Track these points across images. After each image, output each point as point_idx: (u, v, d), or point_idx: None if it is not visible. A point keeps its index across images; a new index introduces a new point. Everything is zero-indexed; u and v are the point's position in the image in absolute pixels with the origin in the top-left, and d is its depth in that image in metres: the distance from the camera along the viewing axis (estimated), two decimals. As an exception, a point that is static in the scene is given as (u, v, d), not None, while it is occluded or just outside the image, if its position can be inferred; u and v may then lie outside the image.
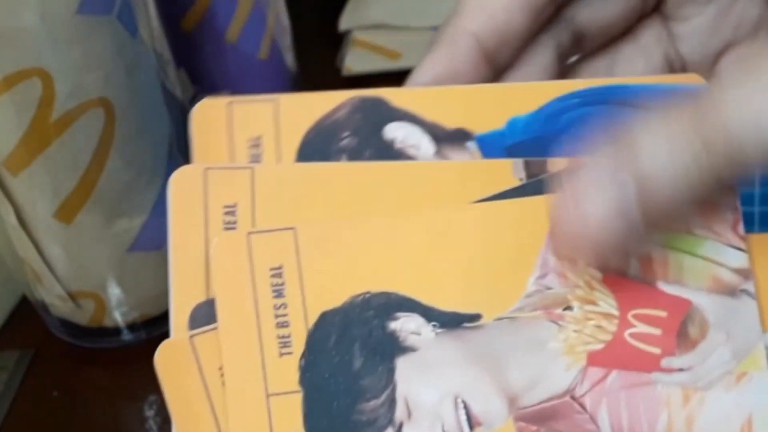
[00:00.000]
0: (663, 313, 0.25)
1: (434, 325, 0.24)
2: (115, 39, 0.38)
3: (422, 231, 0.25)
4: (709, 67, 0.30)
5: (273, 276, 0.25)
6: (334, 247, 0.25)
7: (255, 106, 0.26)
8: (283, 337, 0.24)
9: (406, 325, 0.24)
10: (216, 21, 0.51)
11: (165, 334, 0.40)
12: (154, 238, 0.43)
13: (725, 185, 0.22)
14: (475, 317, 0.24)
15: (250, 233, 0.25)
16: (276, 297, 0.25)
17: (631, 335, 0.25)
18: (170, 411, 0.24)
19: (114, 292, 0.43)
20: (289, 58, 0.55)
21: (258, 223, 0.25)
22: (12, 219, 0.40)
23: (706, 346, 0.25)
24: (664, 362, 0.25)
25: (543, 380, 0.24)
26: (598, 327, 0.25)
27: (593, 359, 0.24)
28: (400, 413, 0.24)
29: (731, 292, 0.25)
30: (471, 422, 0.24)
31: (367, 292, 0.25)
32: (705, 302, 0.25)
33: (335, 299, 0.25)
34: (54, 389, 0.44)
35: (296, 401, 0.24)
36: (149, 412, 0.42)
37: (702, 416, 0.24)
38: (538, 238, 0.25)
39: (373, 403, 0.24)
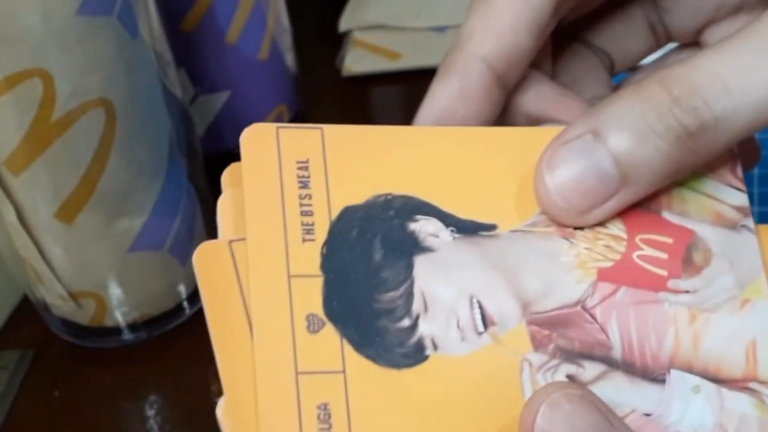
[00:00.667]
0: (669, 240, 0.26)
1: (452, 230, 0.25)
2: (115, 39, 0.38)
3: (446, 143, 0.26)
4: (690, 40, 0.31)
5: (299, 168, 0.26)
6: (359, 150, 0.26)
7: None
8: (306, 224, 0.25)
9: (425, 227, 0.25)
10: (216, 21, 0.51)
11: (165, 334, 0.41)
12: (154, 238, 0.43)
13: (704, 151, 0.24)
14: (491, 227, 0.25)
15: (279, 127, 0.26)
16: (302, 188, 0.25)
17: (639, 257, 0.25)
18: (205, 311, 0.24)
19: (115, 291, 0.43)
20: (289, 58, 0.56)
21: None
22: (13, 219, 0.40)
23: (711, 272, 0.26)
24: (671, 283, 0.25)
25: (555, 289, 0.25)
26: (608, 247, 0.25)
27: (603, 275, 0.25)
28: (417, 306, 0.24)
29: (732, 226, 0.26)
30: (485, 321, 0.24)
31: (389, 194, 0.25)
32: (708, 233, 0.26)
33: (358, 197, 0.25)
34: (54, 389, 0.44)
35: (317, 284, 0.24)
36: (149, 412, 0.42)
37: (708, 336, 0.25)
38: None
39: (392, 294, 0.24)
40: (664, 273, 0.25)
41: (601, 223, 0.26)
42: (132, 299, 0.44)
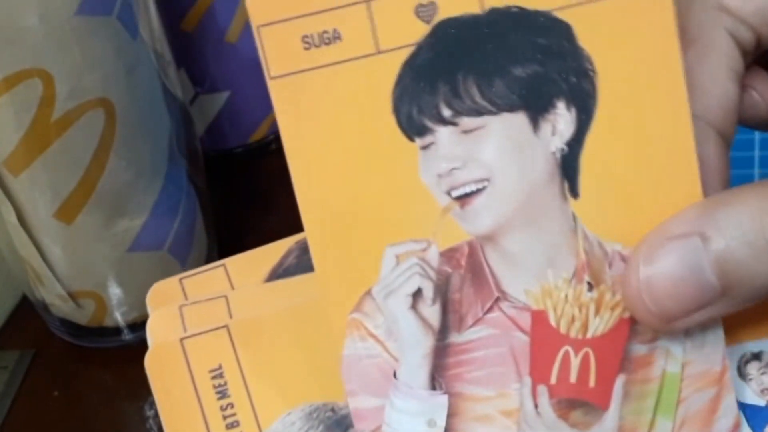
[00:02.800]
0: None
1: None
2: (115, 39, 0.38)
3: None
4: None
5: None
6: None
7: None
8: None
9: None
10: (216, 21, 0.51)
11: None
12: (154, 238, 0.43)
13: None
14: None
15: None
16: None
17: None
18: (161, 413, 0.24)
19: (114, 291, 0.43)
20: (290, 59, 0.55)
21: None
22: (12, 219, 0.40)
23: None
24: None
25: None
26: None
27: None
28: None
29: None
30: None
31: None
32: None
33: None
34: (54, 389, 0.44)
35: None
36: (149, 412, 0.42)
37: None
38: None
39: None
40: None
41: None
42: (132, 299, 0.44)
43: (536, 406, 0.24)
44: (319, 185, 0.24)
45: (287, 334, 0.27)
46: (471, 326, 0.24)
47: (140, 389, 0.43)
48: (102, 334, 0.45)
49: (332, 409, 0.26)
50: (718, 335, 0.24)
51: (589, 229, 0.24)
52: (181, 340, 0.27)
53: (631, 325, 0.24)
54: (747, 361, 0.25)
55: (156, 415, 0.42)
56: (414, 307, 0.24)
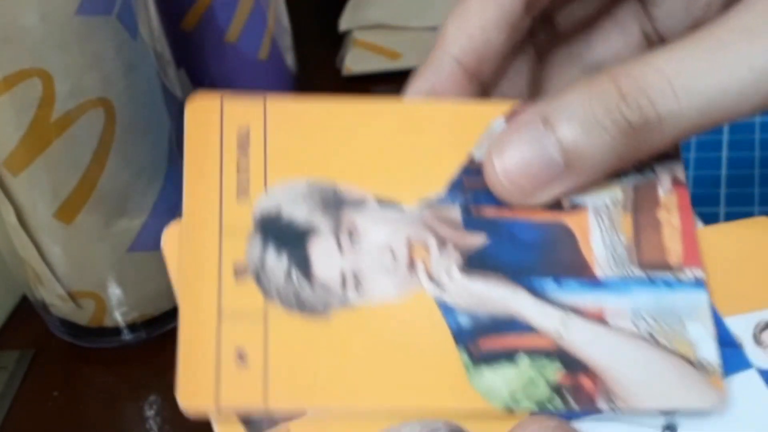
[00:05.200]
0: None
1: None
2: (115, 39, 0.38)
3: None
4: None
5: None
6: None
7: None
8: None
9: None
10: (216, 21, 0.51)
11: (165, 334, 0.41)
12: (154, 238, 0.42)
13: (647, 147, 0.25)
14: None
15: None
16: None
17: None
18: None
19: (114, 292, 0.43)
20: (289, 58, 0.55)
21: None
22: (12, 219, 0.40)
23: None
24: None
25: None
26: None
27: None
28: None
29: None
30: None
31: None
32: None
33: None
34: (54, 389, 0.44)
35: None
36: (149, 412, 0.42)
37: None
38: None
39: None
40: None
41: None
42: (131, 299, 0.44)
43: None
44: None
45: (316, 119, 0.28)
46: None
47: (140, 389, 0.43)
48: (102, 334, 0.45)
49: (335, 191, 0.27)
50: None
51: None
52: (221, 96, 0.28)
53: None
54: (762, 329, 0.26)
55: (156, 415, 0.42)
56: None
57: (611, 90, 0.24)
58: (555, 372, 0.24)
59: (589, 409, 0.24)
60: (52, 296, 0.43)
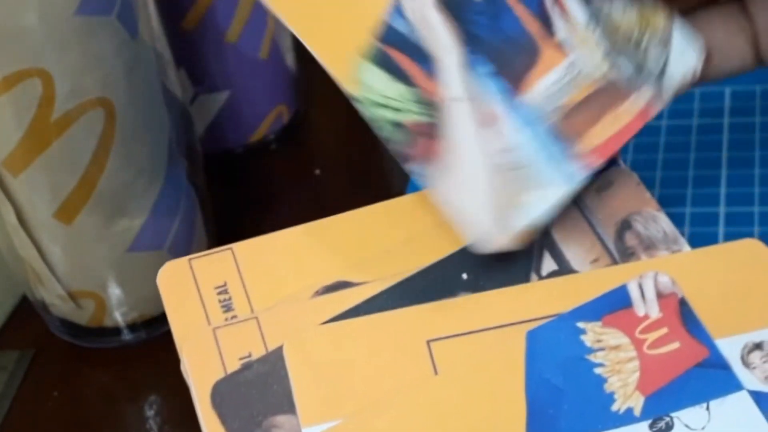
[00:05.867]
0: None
1: None
2: (115, 39, 0.38)
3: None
4: None
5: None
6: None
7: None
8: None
9: None
10: (216, 21, 0.51)
11: (165, 334, 0.41)
12: (154, 238, 0.43)
13: None
14: None
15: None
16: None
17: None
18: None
19: (114, 292, 0.43)
20: (289, 58, 0.55)
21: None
22: (12, 219, 0.40)
23: None
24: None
25: None
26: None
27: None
28: None
29: None
30: None
31: None
32: None
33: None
34: (54, 389, 0.44)
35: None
36: (149, 412, 0.42)
37: None
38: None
39: None
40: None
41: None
42: (131, 299, 0.44)
43: None
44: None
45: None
46: None
47: (140, 389, 0.43)
48: (102, 334, 0.45)
49: None
50: None
51: None
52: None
53: None
54: (749, 351, 0.26)
55: (156, 415, 0.42)
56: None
57: None
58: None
59: None
60: (52, 296, 0.43)
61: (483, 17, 0.26)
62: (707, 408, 0.25)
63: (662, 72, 0.27)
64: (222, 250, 0.29)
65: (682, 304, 0.26)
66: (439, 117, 0.26)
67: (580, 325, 0.26)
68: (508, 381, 0.25)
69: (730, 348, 0.26)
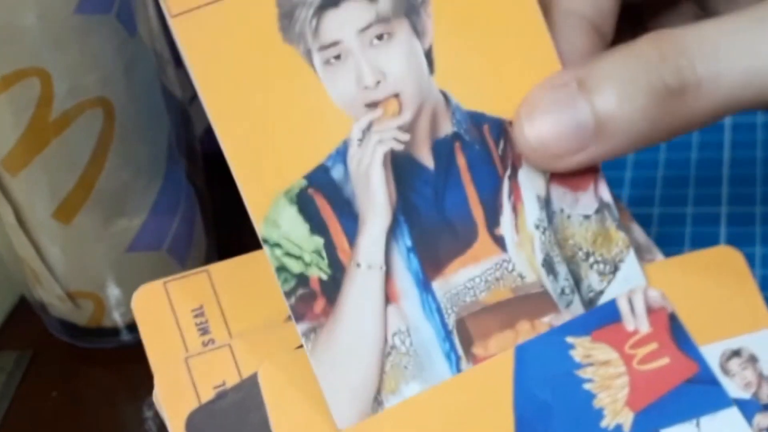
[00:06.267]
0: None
1: None
2: (114, 38, 0.38)
3: None
4: None
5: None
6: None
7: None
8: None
9: None
10: (215, 20, 0.51)
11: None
12: (153, 238, 0.43)
13: (681, 116, 0.24)
14: None
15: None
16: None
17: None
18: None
19: (113, 292, 0.43)
20: (289, 58, 0.55)
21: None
22: (11, 219, 0.40)
23: None
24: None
25: None
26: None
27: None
28: None
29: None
30: None
31: None
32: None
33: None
34: (53, 389, 0.44)
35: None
36: (149, 413, 0.42)
37: None
38: None
39: None
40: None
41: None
42: (130, 299, 0.43)
43: None
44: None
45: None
46: None
47: (139, 389, 0.43)
48: (100, 334, 0.45)
49: None
50: None
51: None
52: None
53: None
54: (728, 358, 0.26)
55: (155, 415, 0.42)
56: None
57: (651, 52, 0.24)
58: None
59: None
60: (51, 296, 0.43)
61: (428, 188, 0.25)
62: (697, 424, 0.25)
63: (599, 294, 0.26)
64: (197, 272, 0.28)
65: (672, 319, 0.26)
66: (345, 281, 0.25)
67: (570, 340, 0.26)
68: (497, 396, 0.25)
69: (708, 356, 0.26)
